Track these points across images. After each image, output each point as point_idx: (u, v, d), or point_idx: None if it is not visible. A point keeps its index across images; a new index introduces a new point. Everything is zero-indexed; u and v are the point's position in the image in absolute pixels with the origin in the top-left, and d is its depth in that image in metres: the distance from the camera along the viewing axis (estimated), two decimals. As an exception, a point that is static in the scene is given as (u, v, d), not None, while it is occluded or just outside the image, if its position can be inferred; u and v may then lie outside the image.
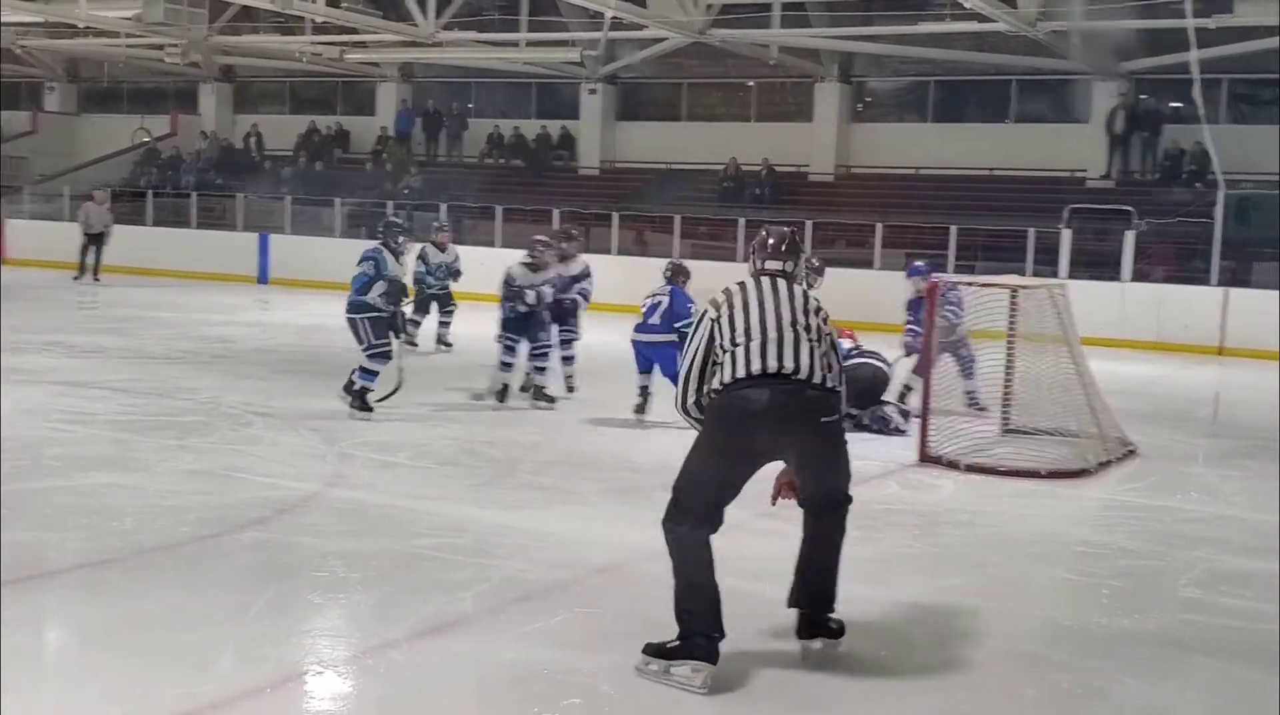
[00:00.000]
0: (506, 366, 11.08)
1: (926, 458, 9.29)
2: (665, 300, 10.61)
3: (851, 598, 5.36)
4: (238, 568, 6.10)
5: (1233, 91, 23.87)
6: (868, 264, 20.09)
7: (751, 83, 28.12)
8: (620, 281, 18.51)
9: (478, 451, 9.22)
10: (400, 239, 10.51)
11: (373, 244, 10.55)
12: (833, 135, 26.59)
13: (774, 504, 5.27)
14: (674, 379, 10.37)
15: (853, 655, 5.18)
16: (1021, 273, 17.98)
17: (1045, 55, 22.92)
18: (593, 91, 28.73)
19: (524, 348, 11.15)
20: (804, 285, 5.32)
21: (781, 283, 5.13)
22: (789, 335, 4.94)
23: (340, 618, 5.61)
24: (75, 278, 22.85)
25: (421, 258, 14.39)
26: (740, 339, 4.95)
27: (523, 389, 11.18)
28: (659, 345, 10.49)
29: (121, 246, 23.39)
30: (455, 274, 14.69)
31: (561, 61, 26.26)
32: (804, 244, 5.39)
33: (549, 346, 11.32)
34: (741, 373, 4.89)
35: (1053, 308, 10.02)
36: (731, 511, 7.42)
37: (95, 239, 23.03)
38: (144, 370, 12.53)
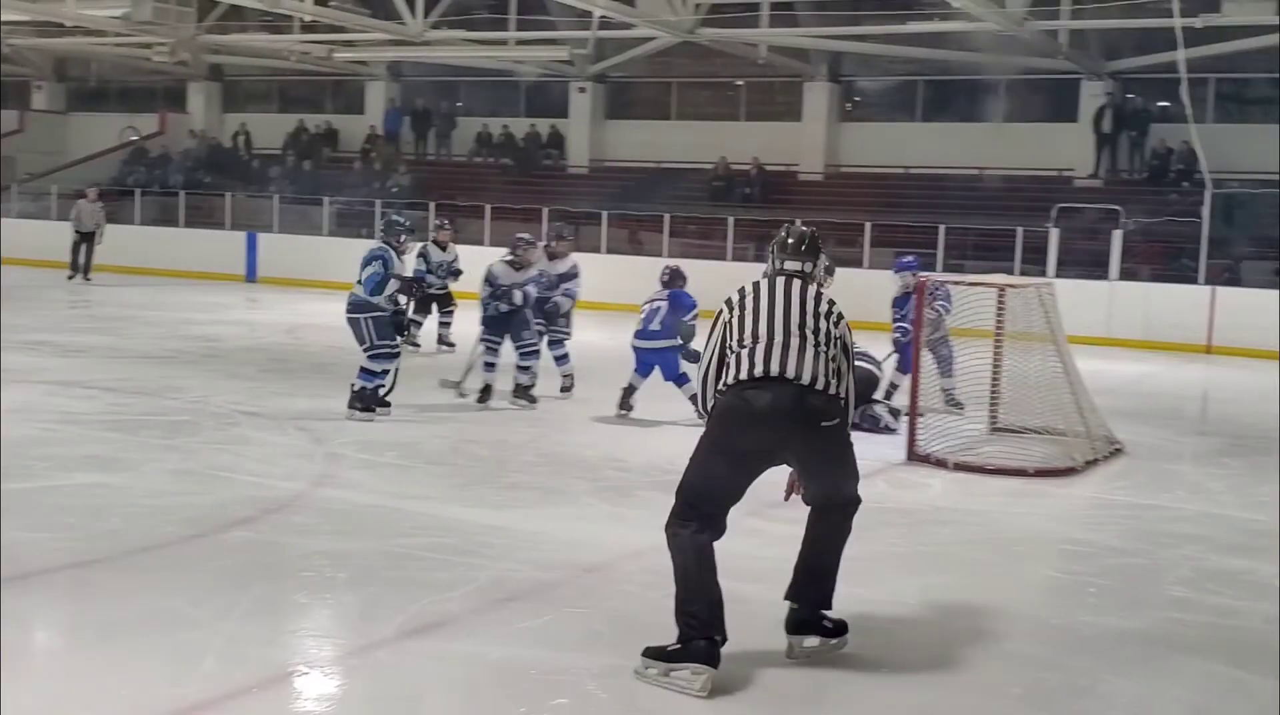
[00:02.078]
0: (490, 367, 10.98)
1: (915, 456, 9.31)
2: (664, 305, 10.62)
3: (839, 596, 5.36)
4: (224, 567, 6.08)
5: (1219, 91, 23.91)
6: (857, 263, 20.09)
7: (740, 82, 28.12)
8: (609, 281, 18.58)
9: (466, 451, 9.22)
10: (403, 238, 10.46)
11: (375, 243, 10.42)
12: (822, 134, 26.60)
13: (786, 499, 5.29)
14: (678, 382, 10.50)
15: (840, 654, 5.18)
16: (1010, 272, 18.00)
17: (1034, 55, 22.95)
18: (582, 90, 28.71)
19: (508, 346, 11.04)
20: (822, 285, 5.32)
21: (796, 284, 5.12)
22: (794, 340, 4.94)
23: (327, 618, 5.61)
24: (69, 277, 22.80)
25: (422, 256, 14.24)
26: (747, 341, 4.97)
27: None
28: (662, 351, 10.52)
29: (109, 245, 23.37)
30: (456, 273, 14.50)
31: (551, 60, 26.26)
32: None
33: (535, 346, 11.17)
34: (744, 376, 4.91)
35: (1040, 307, 10.04)
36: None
37: (87, 238, 22.99)
38: (131, 369, 12.51)
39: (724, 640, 4.83)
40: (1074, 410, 9.86)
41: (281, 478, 8.08)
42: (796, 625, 5.17)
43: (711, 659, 4.75)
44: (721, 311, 5.14)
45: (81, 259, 23.00)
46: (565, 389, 11.59)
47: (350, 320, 10.24)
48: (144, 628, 5.21)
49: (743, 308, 5.08)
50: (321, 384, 12.12)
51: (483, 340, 11.04)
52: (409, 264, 11.77)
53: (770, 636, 5.16)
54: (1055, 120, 25.12)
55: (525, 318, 11.02)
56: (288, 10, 22.81)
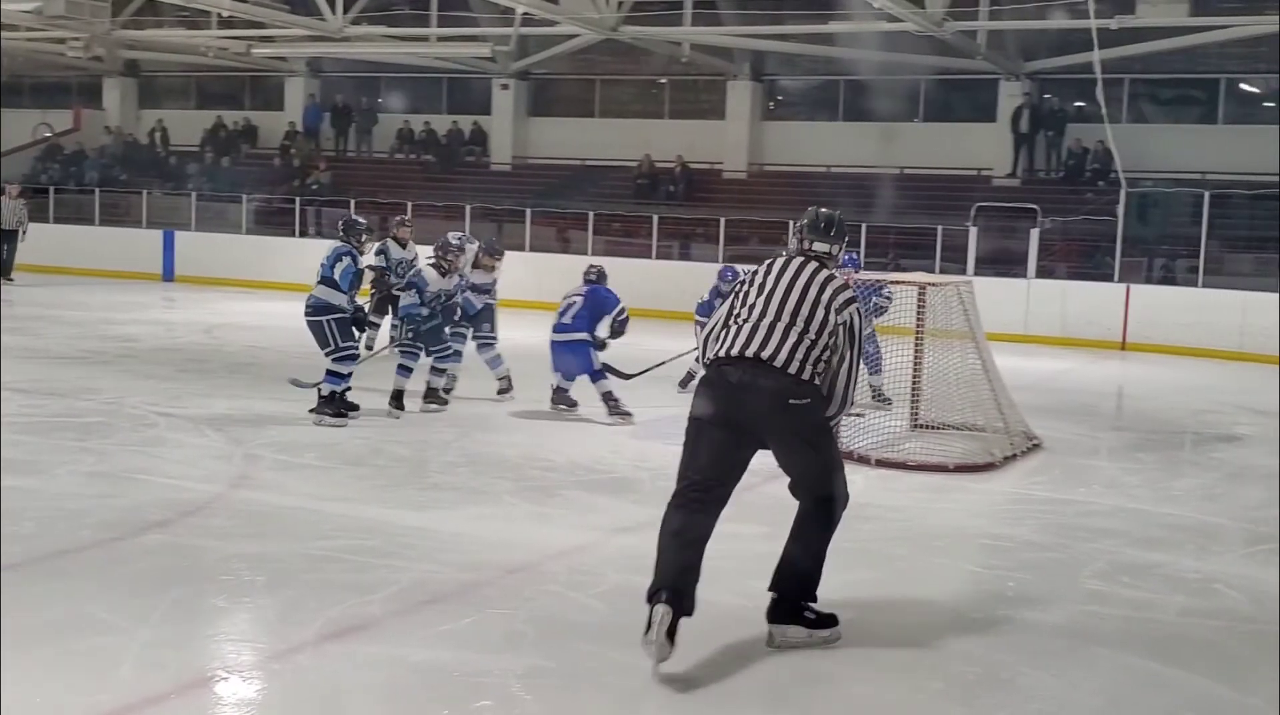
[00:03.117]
0: (407, 372, 10.60)
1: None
2: (580, 300, 10.62)
3: (759, 593, 5.38)
4: (140, 572, 5.98)
5: (1134, 91, 24.30)
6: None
7: (664, 80, 28.18)
8: (533, 278, 18.55)
9: (387, 451, 9.14)
10: (364, 237, 10.30)
11: (337, 243, 10.15)
12: (745, 133, 26.75)
13: None
14: (592, 377, 10.49)
15: (764, 650, 5.20)
16: (931, 270, 18.18)
17: (953, 55, 23.19)
18: (505, 87, 28.62)
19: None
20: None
21: (811, 267, 5.23)
22: (781, 323, 5.06)
23: (246, 622, 5.53)
24: None
25: (382, 252, 13.65)
26: (743, 316, 5.14)
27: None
28: (574, 344, 10.52)
29: (22, 243, 22.90)
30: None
31: (473, 57, 26.14)
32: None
33: (448, 351, 10.87)
34: (724, 353, 5.08)
35: (960, 304, 10.14)
36: (642, 511, 7.43)
37: (8, 236, 22.51)
38: (45, 370, 12.28)
39: (674, 605, 4.83)
40: (993, 407, 9.98)
41: (198, 480, 7.96)
42: (778, 615, 5.23)
43: (650, 625, 4.81)
44: (742, 281, 5.34)
45: (3, 257, 22.47)
46: (503, 391, 11.48)
47: (312, 323, 10.00)
48: (59, 634, 5.11)
49: (753, 282, 5.25)
50: (240, 385, 11.98)
51: (401, 346, 10.82)
52: (367, 262, 11.57)
53: (699, 636, 5.16)
54: (974, 120, 25.41)
55: (439, 325, 10.79)
56: (205, 5, 22.52)
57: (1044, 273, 19.77)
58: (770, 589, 5.29)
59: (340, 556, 6.35)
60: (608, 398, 10.51)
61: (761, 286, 5.20)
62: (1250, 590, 6.41)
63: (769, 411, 5.02)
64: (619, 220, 23.90)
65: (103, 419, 9.89)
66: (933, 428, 10.11)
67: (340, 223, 10.45)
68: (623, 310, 10.70)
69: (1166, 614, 6.01)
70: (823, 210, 5.46)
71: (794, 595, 5.25)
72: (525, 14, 22.03)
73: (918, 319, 10.03)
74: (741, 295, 5.24)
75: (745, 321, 5.11)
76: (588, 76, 28.79)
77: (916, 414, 10.39)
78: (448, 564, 6.29)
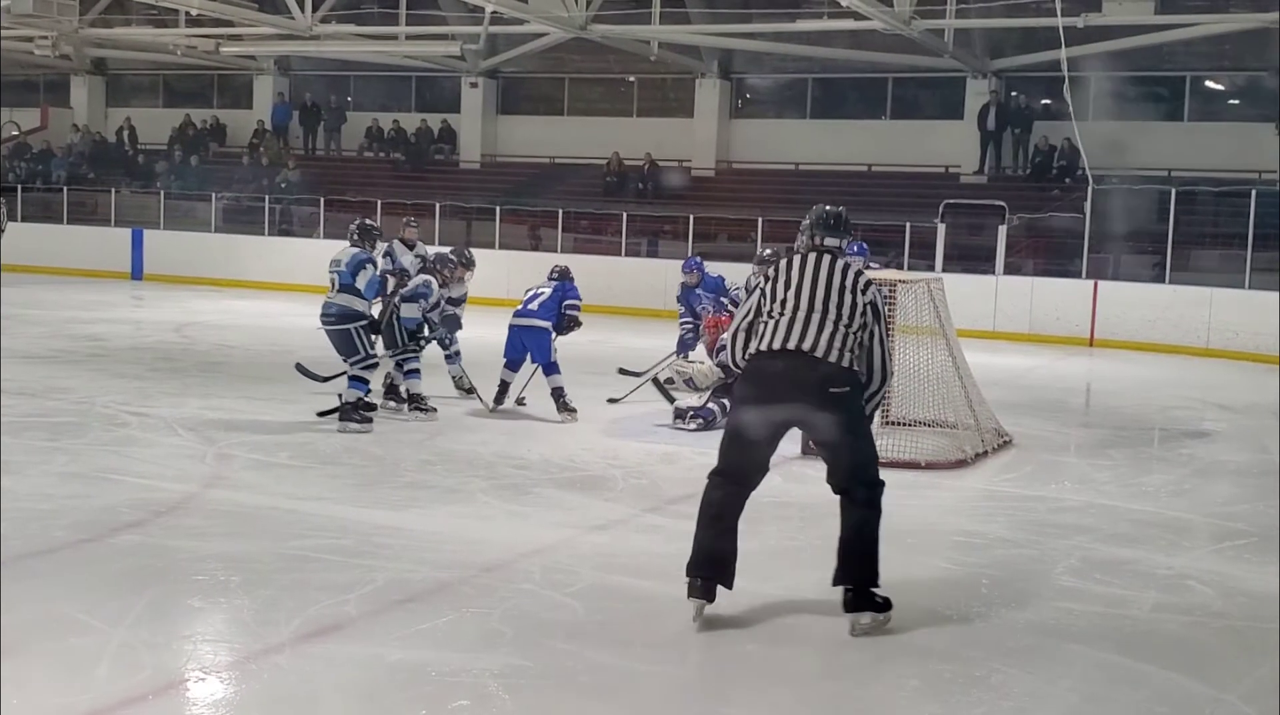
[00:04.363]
0: (416, 373, 10.58)
1: (809, 450, 9.37)
2: (547, 292, 10.67)
3: (735, 591, 5.41)
4: (115, 572, 5.96)
5: (1100, 89, 24.42)
6: (749, 258, 20.21)
7: (633, 78, 28.18)
8: (503, 277, 18.53)
9: (360, 451, 9.12)
10: (377, 243, 10.24)
11: (354, 250, 9.98)
12: (713, 131, 26.80)
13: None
14: (545, 369, 10.48)
15: (737, 649, 5.23)
16: (899, 267, 18.25)
17: (920, 53, 23.27)
18: (474, 85, 28.57)
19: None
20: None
21: (827, 259, 5.57)
22: (816, 315, 5.40)
23: (222, 622, 5.52)
24: None
25: (388, 255, 13.52)
26: (776, 312, 5.47)
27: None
28: (535, 330, 10.53)
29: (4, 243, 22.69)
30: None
31: (442, 55, 26.08)
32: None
33: (413, 353, 10.66)
34: (764, 347, 5.43)
35: (930, 301, 10.18)
36: (615, 508, 7.47)
37: None
38: (13, 370, 12.16)
39: (715, 580, 5.37)
40: (964, 403, 10.02)
41: (172, 480, 7.93)
42: (853, 605, 5.47)
43: (702, 594, 5.35)
44: (759, 281, 5.67)
45: None
46: (463, 389, 11.47)
47: (337, 331, 9.82)
48: (34, 635, 5.09)
49: (776, 279, 5.57)
50: (211, 384, 11.93)
51: (402, 354, 10.61)
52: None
53: (675, 634, 5.19)
54: (941, 118, 25.51)
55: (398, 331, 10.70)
56: (173, 4, 22.39)
57: (1012, 269, 19.88)
58: (837, 583, 5.51)
59: (316, 556, 6.34)
60: (558, 393, 10.51)
61: (787, 282, 5.51)
62: (1221, 585, 6.46)
63: (811, 401, 5.37)
64: (588, 218, 23.89)
65: (74, 419, 9.83)
66: (904, 425, 10.14)
67: (355, 228, 10.25)
68: (576, 306, 10.70)
69: (1139, 610, 6.06)
70: (828, 207, 5.79)
71: (866, 582, 5.49)
72: (494, 12, 21.98)
73: (888, 316, 10.03)
74: (769, 293, 5.54)
75: (780, 316, 5.43)
76: (557, 75, 28.78)
77: (888, 411, 10.41)
78: (423, 563, 6.29)
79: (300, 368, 10.56)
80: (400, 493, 7.91)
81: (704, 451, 9.38)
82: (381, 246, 11.15)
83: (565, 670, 4.95)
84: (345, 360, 9.91)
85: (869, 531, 5.52)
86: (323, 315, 9.95)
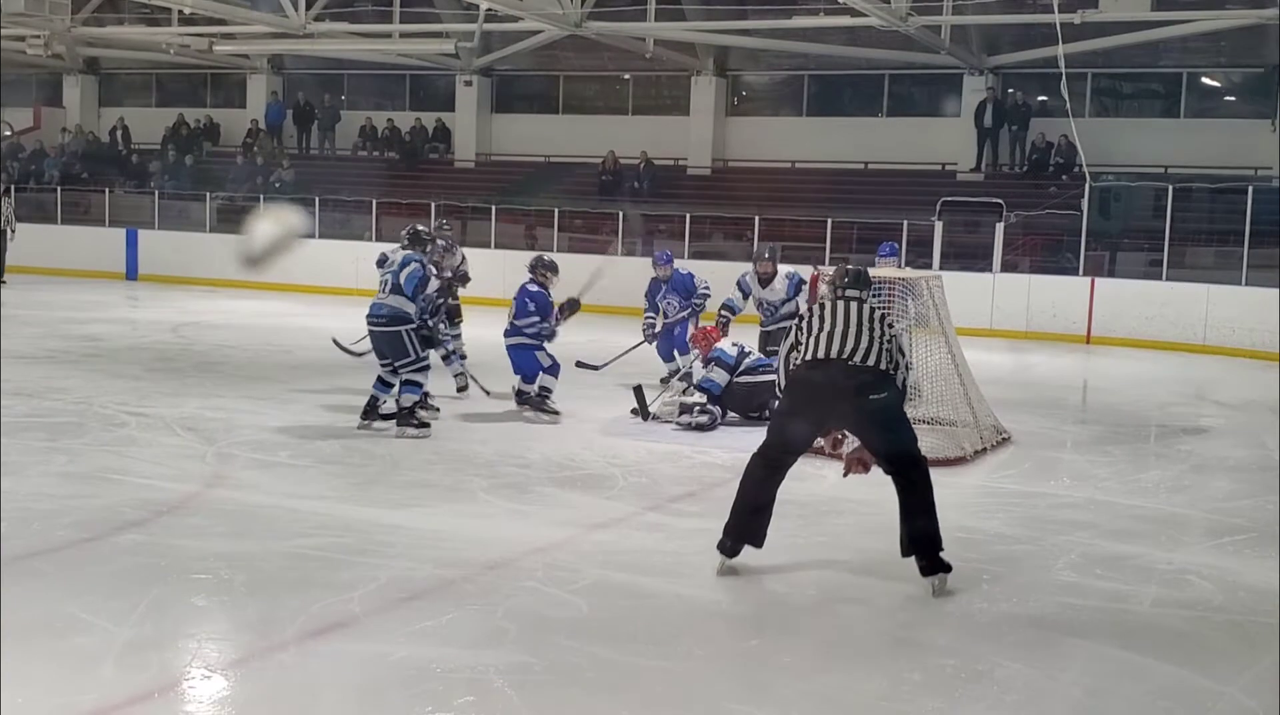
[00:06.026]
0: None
1: (810, 449, 9.38)
2: (515, 304, 10.62)
3: (738, 587, 5.42)
4: (118, 571, 5.97)
5: (1097, 85, 24.47)
6: (746, 258, 20.23)
7: (628, 76, 28.16)
8: (499, 275, 18.50)
9: (361, 450, 9.12)
10: (428, 248, 10.10)
11: (404, 253, 9.91)
12: (709, 129, 26.74)
13: (845, 476, 6.57)
14: (541, 371, 10.44)
15: (739, 644, 5.24)
16: (896, 265, 18.23)
17: (917, 50, 23.28)
18: (468, 83, 28.56)
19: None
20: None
21: (854, 304, 6.40)
22: (852, 329, 6.20)
23: (225, 620, 5.53)
24: None
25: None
26: (815, 329, 6.28)
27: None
28: (518, 348, 10.54)
29: (12, 244, 22.69)
30: (464, 279, 12.06)
31: (436, 53, 26.06)
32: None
33: (420, 363, 10.12)
34: (809, 356, 6.21)
35: (930, 299, 10.20)
36: (616, 507, 7.48)
37: None
38: (10, 370, 12.14)
39: (746, 542, 6.15)
40: (963, 400, 10.03)
41: (172, 479, 7.94)
42: (928, 570, 6.08)
43: (723, 549, 6.13)
44: (802, 316, 6.55)
45: None
46: (460, 388, 11.46)
47: (389, 334, 9.63)
48: (39, 634, 5.09)
49: (812, 317, 6.39)
50: (210, 383, 11.92)
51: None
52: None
53: (678, 630, 5.20)
54: (938, 115, 25.52)
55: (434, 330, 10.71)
56: (166, 2, 22.36)
57: (1009, 267, 19.88)
58: (906, 555, 6.14)
59: (318, 554, 6.35)
60: (544, 393, 10.46)
61: (821, 319, 6.32)
62: (1221, 580, 6.48)
63: (850, 403, 6.10)
64: (583, 217, 23.88)
65: (73, 419, 9.82)
66: (903, 422, 10.14)
67: (406, 233, 10.13)
68: (540, 303, 10.59)
69: (1140, 605, 6.08)
70: (850, 267, 6.73)
71: (934, 550, 6.08)
72: (489, 10, 21.94)
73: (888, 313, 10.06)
74: (805, 327, 6.35)
75: (820, 332, 6.23)
76: (551, 73, 28.74)
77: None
78: (426, 561, 6.30)
79: (336, 342, 10.51)
80: (401, 491, 7.92)
81: (704, 451, 9.45)
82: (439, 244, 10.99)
83: (569, 666, 4.96)
84: (394, 363, 9.69)
85: (925, 505, 6.10)
86: (372, 317, 9.76)
